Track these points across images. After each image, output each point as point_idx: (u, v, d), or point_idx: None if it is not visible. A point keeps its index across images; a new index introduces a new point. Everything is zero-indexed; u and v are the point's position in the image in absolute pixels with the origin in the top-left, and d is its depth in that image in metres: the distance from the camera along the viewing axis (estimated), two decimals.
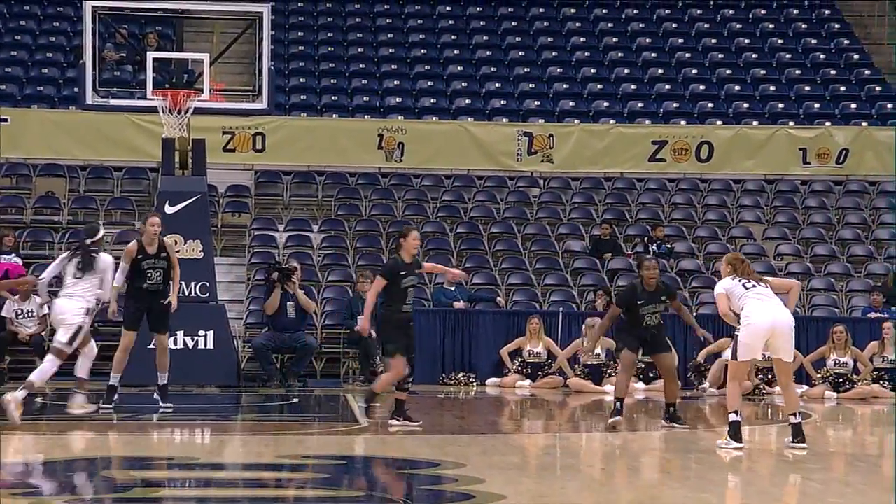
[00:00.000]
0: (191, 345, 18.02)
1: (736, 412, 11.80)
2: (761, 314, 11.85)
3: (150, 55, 19.61)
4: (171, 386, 14.86)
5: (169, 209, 18.59)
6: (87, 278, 13.56)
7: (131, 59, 24.31)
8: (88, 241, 13.76)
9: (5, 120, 23.26)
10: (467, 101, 26.22)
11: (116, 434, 13.00)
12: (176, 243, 18.48)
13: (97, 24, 19.09)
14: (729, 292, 12.01)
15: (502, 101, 26.26)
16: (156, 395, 14.65)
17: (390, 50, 27.72)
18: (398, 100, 26.12)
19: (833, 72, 27.73)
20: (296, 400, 15.50)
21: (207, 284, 18.41)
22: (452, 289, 20.46)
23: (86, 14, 19.02)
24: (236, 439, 13.10)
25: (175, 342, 17.80)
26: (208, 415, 15.14)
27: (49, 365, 13.13)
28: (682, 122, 25.64)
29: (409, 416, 13.22)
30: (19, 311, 18.37)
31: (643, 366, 18.15)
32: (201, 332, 17.97)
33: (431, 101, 26.17)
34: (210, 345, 18.06)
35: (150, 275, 14.40)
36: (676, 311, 14.32)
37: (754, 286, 12.03)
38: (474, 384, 19.23)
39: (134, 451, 11.68)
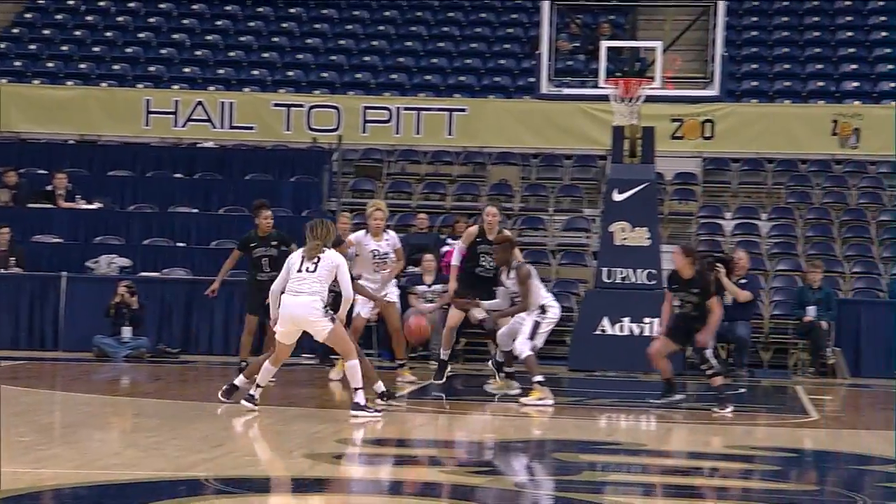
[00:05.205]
0: (637, 332, 18.12)
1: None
2: None
3: (604, 44, 19.77)
4: (616, 372, 14.83)
5: (617, 196, 18.78)
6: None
7: (584, 48, 24.65)
8: None
9: (463, 110, 24.20)
10: None
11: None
12: (623, 230, 18.72)
13: (553, 15, 19.44)
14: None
15: None
16: None
17: (848, 33, 26.71)
18: (855, 84, 25.18)
19: None
20: (743, 391, 15.30)
21: (654, 272, 18.46)
22: None
23: (543, 5, 19.43)
24: (683, 428, 13.08)
25: (621, 329, 18.02)
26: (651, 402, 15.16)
27: None
28: None
29: None
30: None
31: None
32: (647, 320, 18.00)
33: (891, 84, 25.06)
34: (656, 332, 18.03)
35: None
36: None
37: None
38: None
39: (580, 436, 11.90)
